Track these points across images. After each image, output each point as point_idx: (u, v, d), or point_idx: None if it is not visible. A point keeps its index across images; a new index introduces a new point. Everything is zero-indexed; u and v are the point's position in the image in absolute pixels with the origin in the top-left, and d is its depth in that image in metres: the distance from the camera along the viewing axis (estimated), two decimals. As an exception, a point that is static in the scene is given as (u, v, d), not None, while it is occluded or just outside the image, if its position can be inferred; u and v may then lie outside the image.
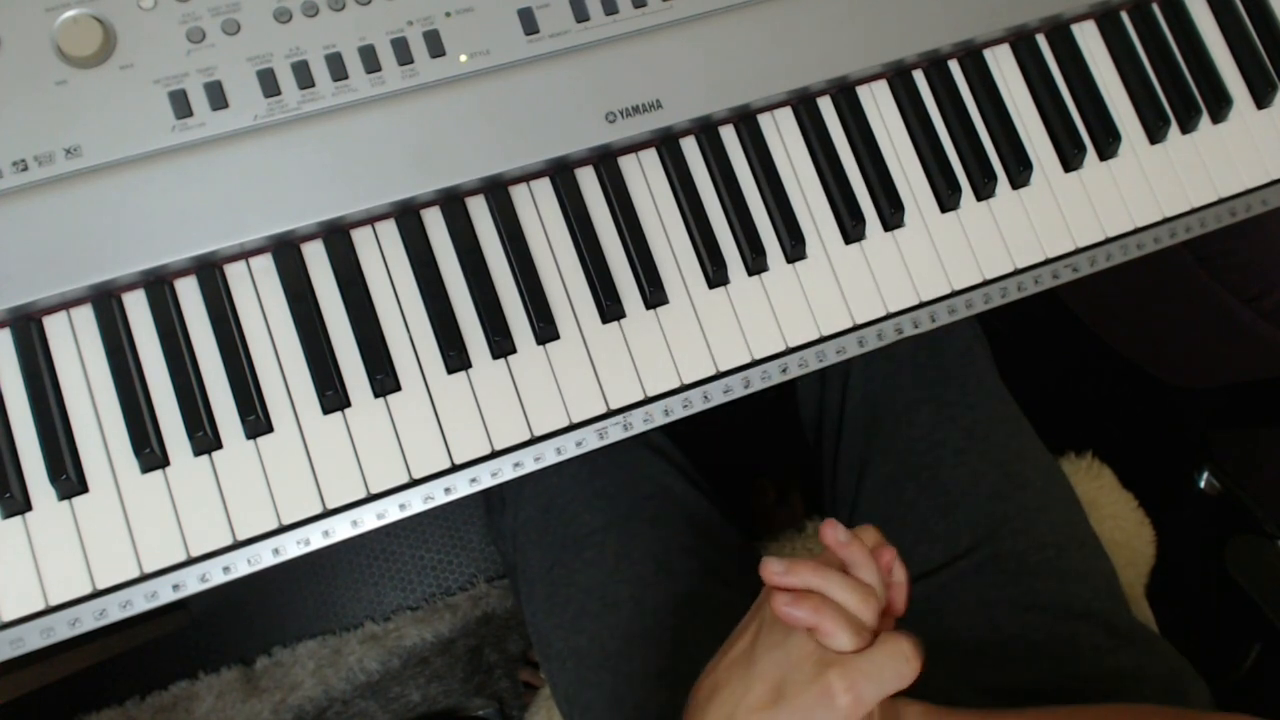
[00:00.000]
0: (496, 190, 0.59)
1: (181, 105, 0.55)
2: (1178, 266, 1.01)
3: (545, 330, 0.58)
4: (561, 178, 0.60)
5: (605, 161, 0.60)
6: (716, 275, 0.60)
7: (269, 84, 0.56)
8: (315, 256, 0.57)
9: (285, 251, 0.57)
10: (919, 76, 0.65)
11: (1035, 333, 1.37)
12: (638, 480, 0.75)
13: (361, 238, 0.58)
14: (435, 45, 0.58)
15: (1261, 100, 0.68)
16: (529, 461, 0.57)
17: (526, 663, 1.26)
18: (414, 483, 0.56)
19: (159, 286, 0.55)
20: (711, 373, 0.59)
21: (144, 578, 0.53)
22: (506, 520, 0.77)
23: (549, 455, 0.57)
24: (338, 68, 0.57)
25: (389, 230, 0.58)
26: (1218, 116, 0.68)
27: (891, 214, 0.62)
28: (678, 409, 0.59)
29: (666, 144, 0.61)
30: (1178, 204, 0.66)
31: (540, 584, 0.73)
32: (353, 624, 1.25)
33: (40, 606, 0.52)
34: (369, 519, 0.55)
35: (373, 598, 1.27)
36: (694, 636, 0.68)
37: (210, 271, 0.56)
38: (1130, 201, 0.66)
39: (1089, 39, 0.68)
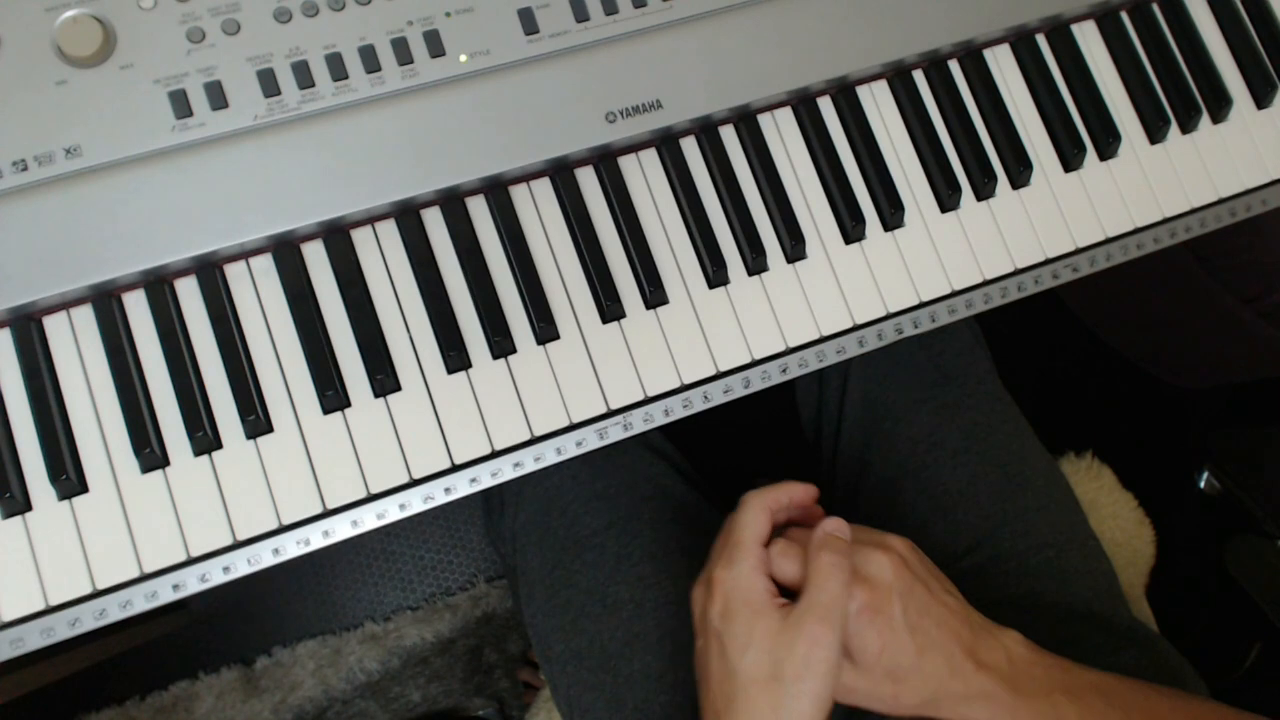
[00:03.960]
0: (496, 190, 0.59)
1: (181, 105, 0.55)
2: (1178, 266, 1.01)
3: (545, 330, 0.58)
4: (561, 178, 0.60)
5: (605, 161, 0.60)
6: (716, 275, 0.60)
7: (269, 84, 0.56)
8: (315, 256, 0.57)
9: (285, 251, 0.57)
10: (919, 76, 0.65)
11: (1035, 333, 1.37)
12: (637, 482, 0.75)
13: (361, 238, 0.58)
14: (435, 45, 0.58)
15: (1261, 100, 0.68)
16: (529, 461, 0.57)
17: (526, 663, 1.26)
18: (414, 483, 0.56)
19: (159, 286, 0.55)
20: (711, 373, 0.59)
21: (144, 578, 0.53)
22: (506, 522, 0.76)
23: (549, 455, 0.57)
24: (338, 68, 0.57)
25: (389, 230, 0.58)
26: (1218, 116, 0.68)
27: (891, 214, 0.62)
28: (678, 409, 0.59)
29: (666, 144, 0.61)
30: (1178, 204, 0.66)
31: (540, 586, 0.73)
32: (353, 624, 1.25)
33: (40, 606, 0.52)
34: (369, 519, 0.55)
35: (373, 598, 1.27)
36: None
37: (210, 271, 0.56)
38: (1130, 201, 0.66)
39: (1089, 39, 0.68)
